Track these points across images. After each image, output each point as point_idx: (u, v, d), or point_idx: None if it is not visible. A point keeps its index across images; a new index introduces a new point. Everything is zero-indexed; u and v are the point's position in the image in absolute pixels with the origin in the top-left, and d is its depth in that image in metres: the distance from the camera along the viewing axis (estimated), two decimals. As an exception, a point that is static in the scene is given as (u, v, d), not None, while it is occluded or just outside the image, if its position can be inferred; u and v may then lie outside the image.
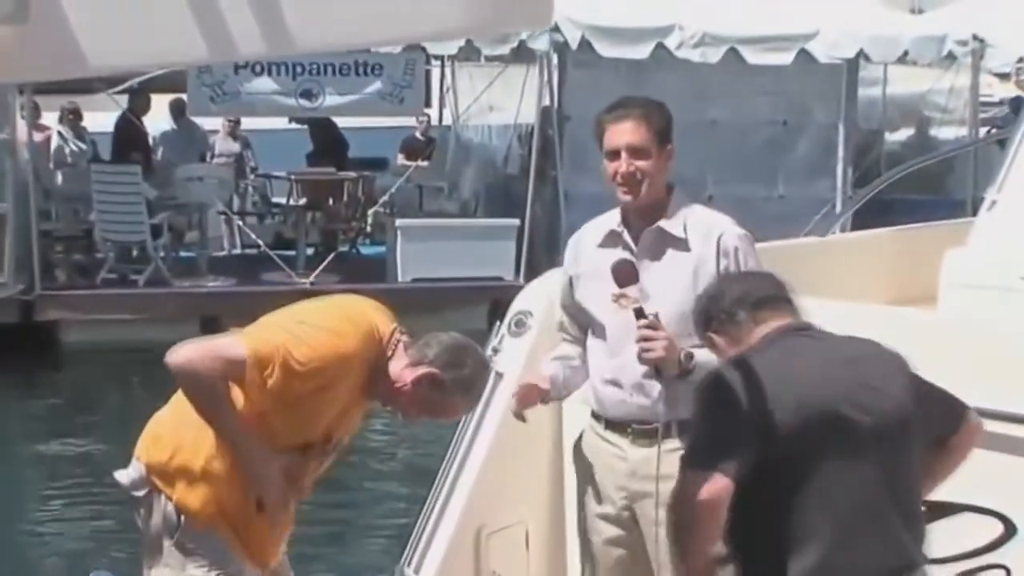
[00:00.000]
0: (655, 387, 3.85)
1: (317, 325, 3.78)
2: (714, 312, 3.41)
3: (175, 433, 3.90)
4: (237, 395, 3.75)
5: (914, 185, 14.22)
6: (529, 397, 4.05)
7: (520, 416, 4.05)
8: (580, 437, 4.16)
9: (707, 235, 3.92)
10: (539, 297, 4.72)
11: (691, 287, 3.83)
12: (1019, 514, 3.64)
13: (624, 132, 3.90)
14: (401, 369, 3.84)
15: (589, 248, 4.10)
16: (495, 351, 4.61)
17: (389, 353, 3.84)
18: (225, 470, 3.81)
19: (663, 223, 3.93)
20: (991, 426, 3.67)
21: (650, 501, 3.86)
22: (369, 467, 8.10)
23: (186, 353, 3.71)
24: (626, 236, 3.97)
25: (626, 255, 3.93)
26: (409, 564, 4.32)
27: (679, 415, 3.76)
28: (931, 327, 4.11)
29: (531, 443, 4.60)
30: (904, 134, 18.77)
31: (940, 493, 3.76)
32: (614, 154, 3.91)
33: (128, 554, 8.68)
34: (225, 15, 1.89)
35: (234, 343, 3.77)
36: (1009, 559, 3.65)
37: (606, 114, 4.00)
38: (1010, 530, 3.65)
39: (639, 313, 3.73)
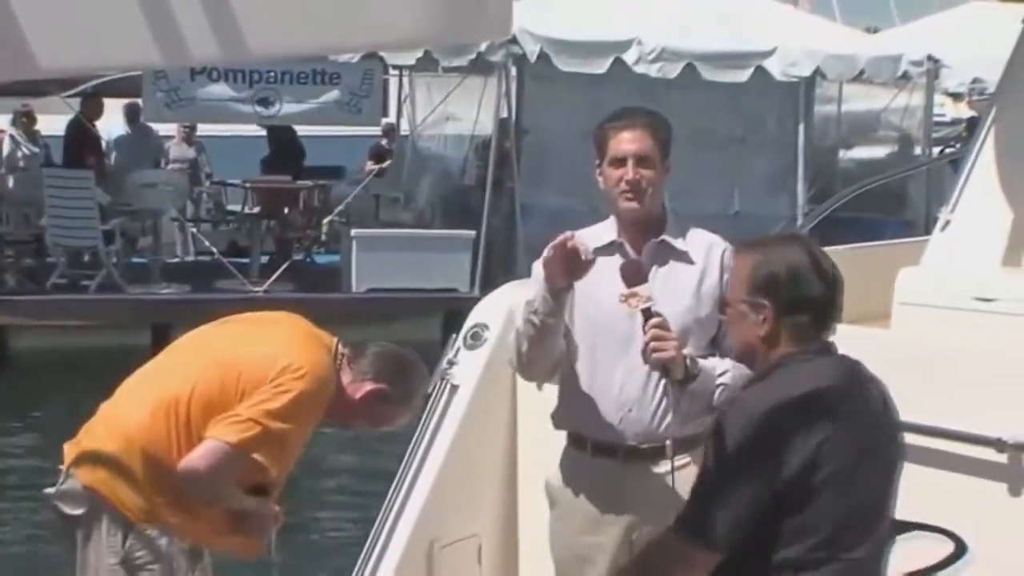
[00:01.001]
0: (650, 404, 3.81)
1: (294, 379, 3.85)
2: (786, 294, 3.18)
3: (115, 445, 3.88)
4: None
5: (871, 204, 14.35)
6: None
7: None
8: (560, 467, 4.03)
9: (708, 250, 3.92)
10: (496, 310, 4.71)
11: (694, 299, 3.85)
12: (969, 533, 3.66)
13: (632, 140, 3.86)
14: (347, 384, 3.88)
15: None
16: (451, 363, 4.59)
17: (338, 382, 3.93)
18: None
19: (666, 236, 3.92)
20: (942, 445, 3.70)
21: (646, 527, 3.77)
22: (320, 479, 8.06)
23: (197, 472, 3.83)
24: (627, 247, 3.93)
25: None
26: (361, 576, 4.30)
27: (683, 431, 3.73)
28: (884, 345, 4.12)
29: (485, 457, 4.60)
30: (860, 152, 18.91)
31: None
32: (619, 161, 3.86)
33: (58, 555, 8.64)
34: (178, 19, 1.88)
35: (225, 452, 3.81)
36: (960, 578, 3.68)
37: (611, 122, 3.94)
38: (960, 549, 3.67)
39: (648, 313, 3.64)
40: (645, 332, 3.65)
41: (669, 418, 3.78)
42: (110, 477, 3.88)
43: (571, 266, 3.70)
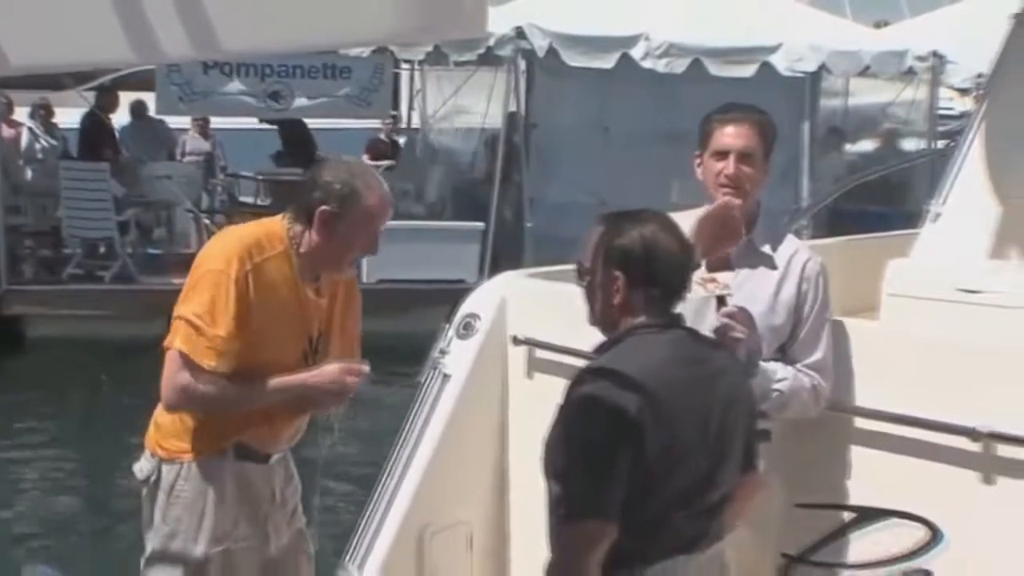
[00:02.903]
0: None
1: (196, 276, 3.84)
2: (639, 267, 3.24)
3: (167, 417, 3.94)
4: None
5: (875, 197, 14.33)
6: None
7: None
8: None
9: (793, 258, 3.85)
10: (487, 300, 4.73)
11: (770, 304, 3.80)
12: (945, 521, 3.67)
13: (737, 136, 3.80)
14: (305, 241, 3.84)
15: None
16: (443, 353, 4.62)
17: (295, 246, 3.85)
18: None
19: (755, 237, 3.86)
20: (919, 434, 3.72)
21: None
22: (312, 465, 8.08)
23: (167, 399, 3.82)
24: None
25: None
26: (353, 561, 4.32)
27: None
28: (872, 337, 4.13)
29: (476, 445, 4.62)
30: (866, 145, 18.88)
31: (869, 499, 3.82)
32: (721, 155, 3.81)
33: (78, 542, 8.71)
34: (150, 17, 1.89)
35: (173, 360, 3.79)
36: (933, 564, 3.68)
37: (719, 115, 3.88)
38: (935, 536, 3.68)
39: (722, 301, 3.60)
40: (717, 319, 3.60)
41: None
42: (154, 431, 3.97)
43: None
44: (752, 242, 3.85)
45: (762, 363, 3.72)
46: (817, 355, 3.76)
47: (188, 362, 3.74)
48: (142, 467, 3.97)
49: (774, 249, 3.85)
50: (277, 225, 3.90)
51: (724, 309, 3.59)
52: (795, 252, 3.86)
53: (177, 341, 3.75)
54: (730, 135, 3.81)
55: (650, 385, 3.10)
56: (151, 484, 3.94)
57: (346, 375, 3.88)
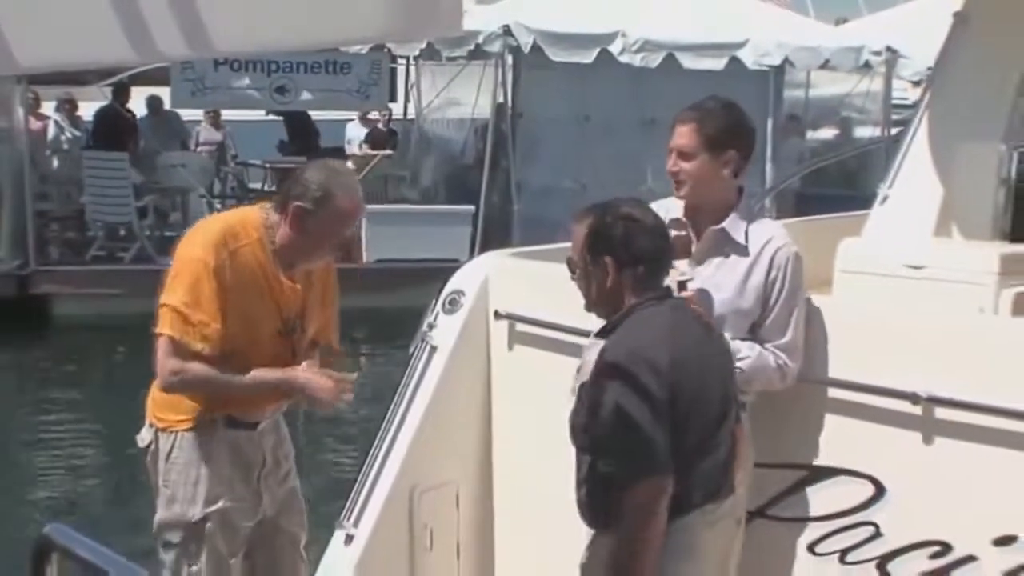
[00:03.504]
0: None
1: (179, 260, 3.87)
2: (622, 249, 3.32)
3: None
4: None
5: (833, 181, 14.34)
6: None
7: None
8: None
9: (765, 245, 3.77)
10: (472, 277, 4.72)
11: (738, 290, 3.75)
12: (889, 478, 3.68)
13: (677, 135, 3.78)
14: (280, 234, 3.85)
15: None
16: (431, 327, 4.61)
17: (270, 235, 3.87)
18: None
19: (727, 224, 3.79)
20: (865, 399, 3.73)
21: None
22: (313, 432, 8.10)
23: (162, 382, 3.84)
24: (688, 225, 3.85)
25: (688, 239, 3.82)
26: (348, 519, 4.32)
27: None
28: (825, 310, 4.13)
29: (461, 410, 4.62)
30: (827, 133, 18.88)
31: (820, 458, 3.83)
32: (669, 152, 3.82)
33: (98, 504, 8.72)
34: (148, 18, 1.88)
35: (163, 345, 3.82)
36: (879, 517, 3.69)
37: (678, 114, 3.86)
38: (880, 491, 3.69)
39: (681, 286, 3.61)
40: None
41: None
42: (151, 404, 4.00)
43: None
44: (723, 230, 3.79)
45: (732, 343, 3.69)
46: (785, 338, 3.72)
47: (177, 346, 3.75)
48: (143, 436, 4.00)
49: (748, 236, 3.79)
50: (254, 213, 3.91)
51: (683, 294, 3.61)
52: (768, 240, 3.78)
53: (166, 327, 3.76)
54: (674, 135, 3.80)
55: (671, 346, 3.21)
56: (151, 452, 3.96)
57: (325, 380, 3.93)
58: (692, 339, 3.33)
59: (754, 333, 3.79)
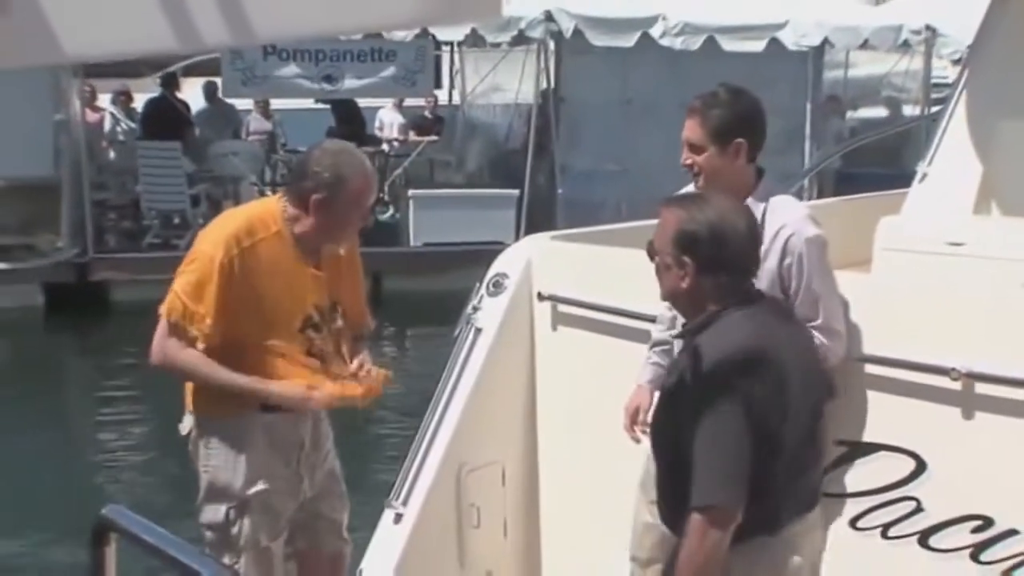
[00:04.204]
0: None
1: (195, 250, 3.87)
2: (707, 253, 3.08)
3: None
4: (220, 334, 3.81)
5: (875, 159, 14.20)
6: (635, 415, 3.95)
7: (635, 438, 3.93)
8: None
9: (779, 231, 3.69)
10: (515, 260, 4.72)
11: None
12: (929, 453, 3.65)
13: (686, 128, 3.77)
14: (300, 223, 3.84)
15: None
16: (475, 309, 4.61)
17: (291, 227, 3.85)
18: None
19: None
20: (905, 375, 3.69)
21: None
22: (362, 413, 8.16)
23: (153, 356, 3.89)
24: None
25: None
26: (397, 498, 4.33)
27: None
28: (865, 288, 4.09)
29: (507, 391, 4.61)
30: (866, 112, 18.70)
31: (861, 434, 3.80)
32: (682, 145, 3.82)
33: (157, 488, 8.80)
34: (192, 7, 1.88)
35: (162, 326, 3.86)
36: (919, 492, 3.65)
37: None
38: (921, 466, 3.65)
39: None
40: None
41: None
42: (190, 392, 4.01)
43: None
44: None
45: None
46: (818, 320, 3.67)
47: (175, 330, 3.79)
48: (184, 423, 4.02)
49: (764, 221, 3.70)
50: (273, 206, 3.90)
51: None
52: (782, 226, 3.70)
53: (167, 311, 3.81)
54: (685, 127, 3.78)
55: (762, 352, 2.99)
56: (192, 439, 3.98)
57: (310, 393, 3.88)
58: (781, 342, 3.09)
59: None
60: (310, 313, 3.91)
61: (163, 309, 3.83)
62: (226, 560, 3.86)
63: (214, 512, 3.91)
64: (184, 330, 3.79)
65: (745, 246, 3.10)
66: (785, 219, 3.74)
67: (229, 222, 3.91)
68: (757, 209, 3.70)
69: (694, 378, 3.01)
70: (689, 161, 3.77)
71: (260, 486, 3.88)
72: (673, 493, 3.16)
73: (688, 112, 3.77)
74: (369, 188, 3.91)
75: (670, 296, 3.21)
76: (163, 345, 3.85)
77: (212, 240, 3.82)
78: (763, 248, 3.65)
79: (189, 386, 3.98)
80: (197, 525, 3.97)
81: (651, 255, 3.22)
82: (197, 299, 3.76)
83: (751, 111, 3.82)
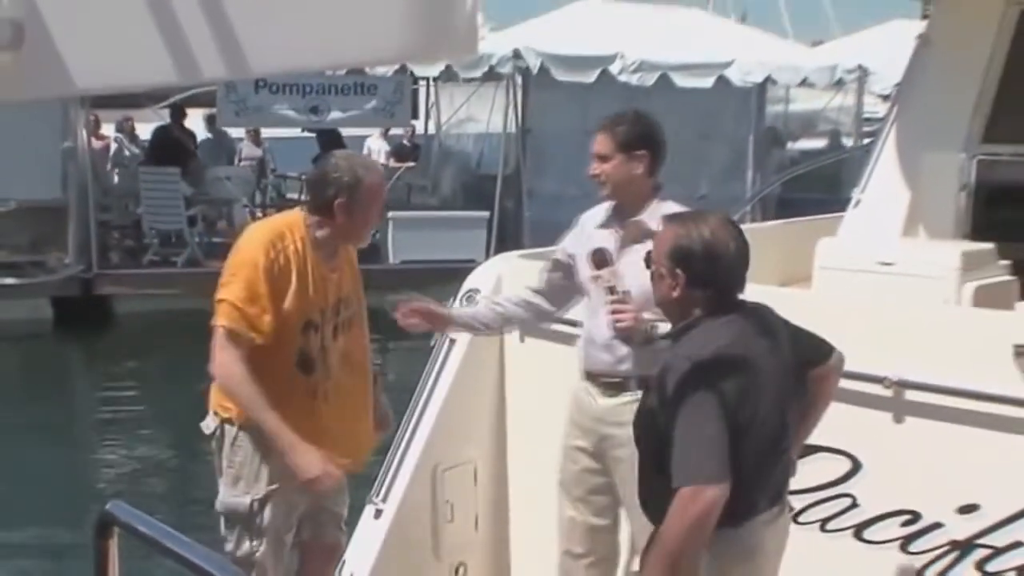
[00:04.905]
0: (619, 348, 3.79)
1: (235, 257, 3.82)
2: (698, 268, 3.05)
3: None
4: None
5: (813, 186, 14.29)
6: (417, 314, 3.96)
7: (404, 327, 3.94)
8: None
9: None
10: (486, 277, 4.71)
11: None
12: (864, 454, 3.67)
13: (595, 142, 3.88)
14: (322, 229, 3.81)
15: (591, 228, 4.00)
16: (446, 322, 4.59)
17: (314, 232, 3.82)
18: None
19: (643, 216, 3.83)
20: (848, 384, 3.70)
21: (611, 442, 3.82)
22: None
23: (212, 366, 3.76)
24: (614, 222, 3.92)
25: (615, 236, 3.88)
26: (378, 495, 4.31)
27: (643, 372, 3.69)
28: (805, 303, 4.11)
29: (478, 396, 4.61)
30: (805, 143, 18.82)
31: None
32: (591, 159, 3.90)
33: (158, 486, 8.74)
34: (192, 44, 1.88)
35: (219, 336, 3.75)
36: (855, 490, 3.67)
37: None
38: (856, 466, 3.67)
39: (611, 290, 3.70)
40: (608, 308, 3.67)
41: (630, 364, 3.78)
42: (215, 394, 3.91)
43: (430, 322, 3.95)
44: (639, 221, 3.84)
45: (660, 326, 3.61)
46: None
47: (233, 337, 3.71)
48: (208, 424, 3.95)
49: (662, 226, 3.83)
50: (297, 217, 3.90)
51: (611, 298, 3.68)
52: None
53: (223, 319, 3.73)
54: (594, 143, 3.89)
55: (736, 355, 2.96)
56: (217, 437, 3.92)
57: (326, 468, 3.75)
58: (756, 348, 3.05)
59: None
60: (326, 305, 3.89)
61: (217, 320, 3.73)
62: (247, 547, 3.81)
63: (238, 502, 3.85)
64: (240, 336, 3.70)
65: (734, 263, 3.09)
66: None
67: (263, 230, 3.90)
68: (655, 216, 3.75)
69: (674, 376, 2.98)
70: (597, 171, 3.86)
71: (281, 483, 3.83)
72: (652, 491, 3.11)
73: (599, 130, 3.90)
74: (383, 184, 3.96)
75: (661, 303, 3.19)
76: (219, 357, 3.73)
77: (251, 247, 3.79)
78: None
79: (215, 387, 3.91)
80: (215, 516, 3.90)
81: (647, 264, 3.23)
82: (251, 302, 3.71)
83: (654, 129, 3.94)
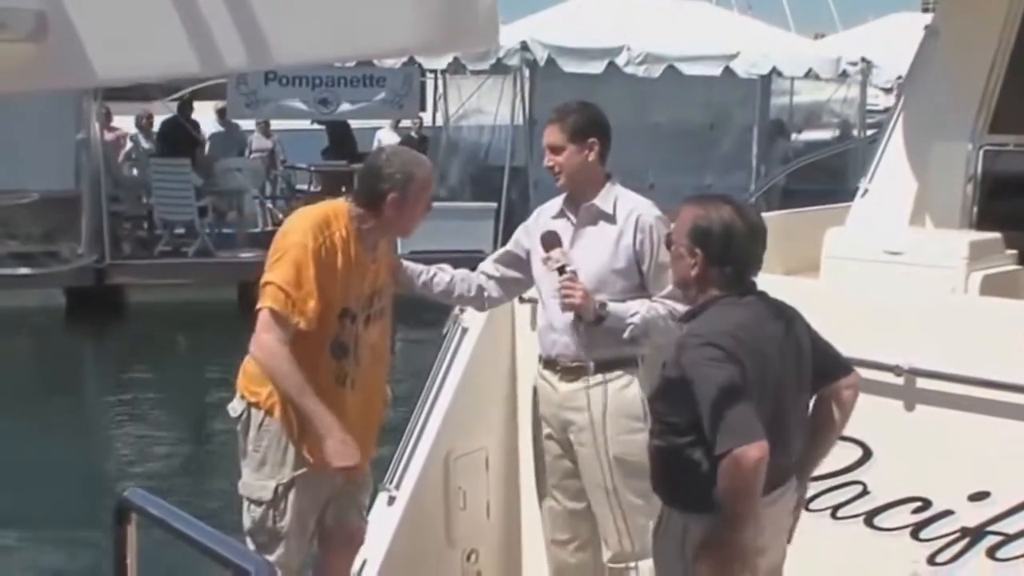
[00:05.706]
0: (573, 335, 3.87)
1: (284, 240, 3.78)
2: (716, 247, 3.08)
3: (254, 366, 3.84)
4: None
5: (817, 177, 14.26)
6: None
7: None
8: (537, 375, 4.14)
9: (630, 213, 3.91)
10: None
11: (611, 253, 3.88)
12: (875, 441, 3.65)
13: (546, 134, 3.97)
14: (367, 221, 3.78)
15: (546, 219, 4.09)
16: (461, 310, 4.59)
17: (359, 224, 3.79)
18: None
19: (597, 200, 3.93)
20: (860, 372, 3.68)
21: (575, 427, 3.92)
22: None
23: (254, 348, 3.71)
24: (567, 211, 4.00)
25: (570, 225, 3.96)
26: (391, 482, 4.31)
27: (599, 355, 3.83)
28: (813, 292, 4.09)
29: (490, 384, 4.60)
30: (812, 135, 18.78)
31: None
32: (544, 151, 4.01)
33: (172, 472, 8.75)
34: (214, 33, 1.87)
35: (263, 318, 3.70)
36: (866, 477, 3.66)
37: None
38: (867, 454, 3.66)
39: (561, 270, 3.79)
40: (559, 286, 3.78)
41: (588, 346, 3.84)
42: (243, 377, 3.88)
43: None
44: (594, 205, 3.92)
45: (615, 305, 3.79)
46: (669, 286, 3.69)
47: (278, 318, 3.67)
48: (235, 407, 3.92)
49: (615, 208, 3.92)
50: (342, 206, 3.87)
51: (562, 277, 3.77)
52: (632, 209, 3.91)
53: (268, 301, 3.70)
54: (545, 135, 3.98)
55: (744, 335, 3.00)
56: (243, 420, 3.89)
57: (350, 457, 3.70)
58: (770, 330, 3.09)
59: (644, 290, 3.88)
60: (351, 304, 3.87)
61: (262, 302, 3.69)
62: (269, 531, 3.78)
63: (263, 487, 3.83)
64: (286, 319, 3.66)
65: (750, 244, 3.13)
66: (634, 204, 3.96)
67: (310, 215, 3.85)
68: (608, 200, 3.92)
69: (690, 353, 3.03)
70: (551, 163, 3.95)
71: (304, 468, 3.81)
72: (676, 469, 3.11)
73: (548, 122, 3.98)
74: (431, 177, 3.94)
75: (680, 281, 3.23)
76: (262, 340, 3.68)
77: (299, 231, 3.76)
78: (617, 229, 3.88)
79: (245, 369, 3.88)
80: (239, 498, 3.87)
81: (667, 244, 3.28)
82: (298, 285, 3.67)
83: (600, 117, 4.03)
